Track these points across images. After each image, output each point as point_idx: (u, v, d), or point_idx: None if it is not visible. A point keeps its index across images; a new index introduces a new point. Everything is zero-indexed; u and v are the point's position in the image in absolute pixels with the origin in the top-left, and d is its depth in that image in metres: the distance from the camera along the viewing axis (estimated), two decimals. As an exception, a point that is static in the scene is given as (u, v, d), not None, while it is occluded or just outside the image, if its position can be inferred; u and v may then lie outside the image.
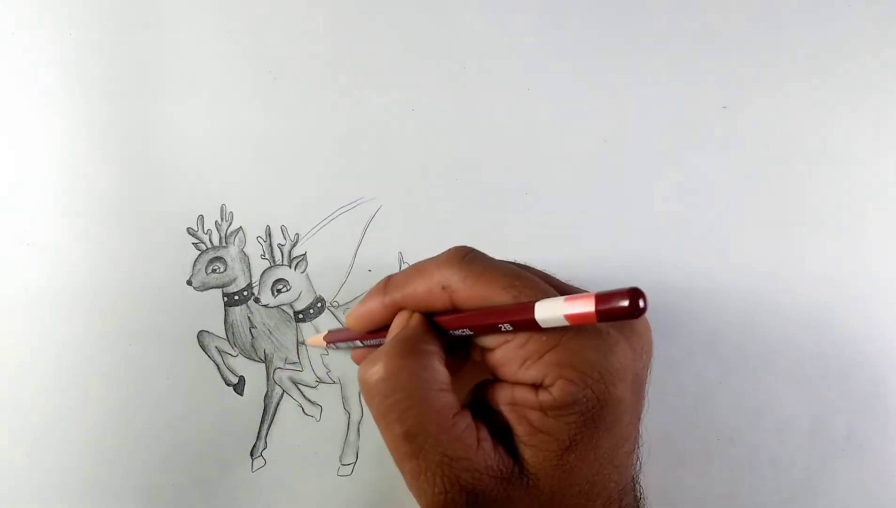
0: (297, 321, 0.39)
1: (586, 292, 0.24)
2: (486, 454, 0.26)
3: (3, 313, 0.37)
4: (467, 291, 0.27)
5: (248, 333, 0.38)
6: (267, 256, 0.39)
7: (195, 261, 0.38)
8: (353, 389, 0.39)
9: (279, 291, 0.38)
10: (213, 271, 0.38)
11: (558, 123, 0.40)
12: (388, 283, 0.30)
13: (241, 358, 0.38)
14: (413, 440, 0.26)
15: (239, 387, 0.38)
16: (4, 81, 0.38)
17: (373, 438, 0.38)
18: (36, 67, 0.38)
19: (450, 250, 0.29)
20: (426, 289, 0.28)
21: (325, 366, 0.39)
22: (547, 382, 0.26)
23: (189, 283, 0.38)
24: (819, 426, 0.39)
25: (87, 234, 0.38)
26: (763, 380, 0.40)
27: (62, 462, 0.37)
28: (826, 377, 0.40)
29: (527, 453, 0.26)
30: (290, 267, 0.38)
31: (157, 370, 0.38)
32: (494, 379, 0.28)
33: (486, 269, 0.27)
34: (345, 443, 0.38)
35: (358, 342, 0.33)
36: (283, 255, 0.39)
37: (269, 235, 0.39)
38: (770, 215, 0.40)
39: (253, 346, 0.38)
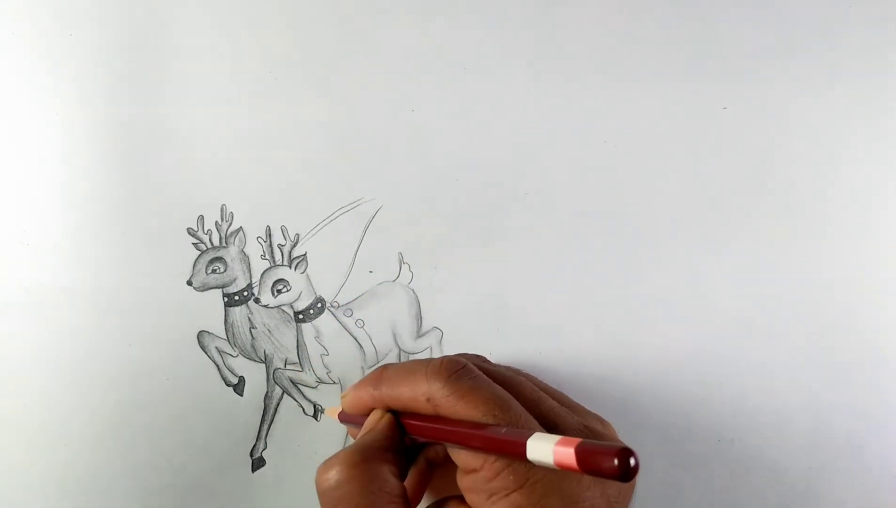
0: (298, 321, 0.39)
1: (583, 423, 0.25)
2: None
3: (3, 313, 0.37)
4: (449, 409, 0.28)
5: (248, 333, 0.38)
6: (267, 256, 0.39)
7: (195, 261, 0.38)
8: (353, 389, 0.39)
9: (279, 291, 0.38)
10: (213, 271, 0.38)
11: (558, 124, 0.40)
12: (381, 376, 0.30)
13: (241, 358, 0.38)
14: None
15: (239, 387, 0.38)
16: (4, 80, 0.38)
17: (373, 438, 0.38)
18: (36, 66, 0.38)
19: (443, 360, 0.29)
20: (411, 396, 0.29)
21: (326, 367, 0.39)
22: None
23: (189, 283, 0.38)
24: (819, 428, 0.39)
25: (87, 234, 0.38)
26: (763, 382, 0.39)
27: (62, 462, 0.37)
28: (826, 378, 0.40)
29: None
30: (290, 267, 0.38)
31: (157, 371, 0.38)
32: (459, 498, 0.29)
33: (471, 390, 0.27)
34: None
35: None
36: (283, 255, 0.39)
37: (269, 235, 0.39)
38: (770, 215, 0.40)
39: (253, 346, 0.38)
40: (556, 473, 0.25)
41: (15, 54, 0.38)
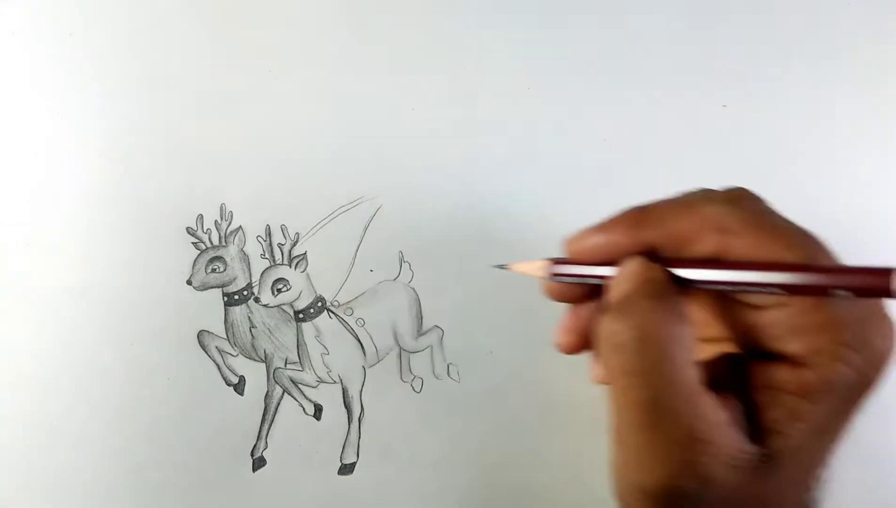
0: (298, 320, 0.39)
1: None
2: (732, 439, 0.22)
3: (4, 313, 0.37)
4: (748, 238, 0.23)
5: (248, 332, 0.38)
6: (267, 255, 0.39)
7: (195, 261, 0.38)
8: (355, 388, 0.38)
9: (279, 290, 0.38)
10: (213, 270, 0.38)
11: (558, 123, 0.40)
12: (640, 214, 0.25)
13: (241, 358, 0.38)
14: (653, 411, 0.22)
15: (239, 387, 0.38)
16: (5, 80, 0.38)
17: (373, 437, 0.38)
18: (36, 67, 0.38)
19: (725, 190, 0.24)
20: (695, 228, 0.23)
21: (326, 366, 0.38)
22: (817, 360, 0.22)
23: (189, 283, 0.38)
24: (819, 426, 0.39)
25: (87, 234, 0.38)
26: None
27: (63, 462, 0.37)
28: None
29: (776, 442, 0.23)
30: (290, 267, 0.38)
31: (157, 370, 0.37)
32: (739, 355, 0.25)
33: (773, 217, 0.23)
34: (345, 443, 0.38)
35: (594, 280, 0.26)
36: (283, 254, 0.39)
37: (269, 234, 0.39)
38: (770, 214, 0.40)
39: (253, 346, 0.38)
40: (875, 314, 0.22)
41: (15, 54, 0.38)
